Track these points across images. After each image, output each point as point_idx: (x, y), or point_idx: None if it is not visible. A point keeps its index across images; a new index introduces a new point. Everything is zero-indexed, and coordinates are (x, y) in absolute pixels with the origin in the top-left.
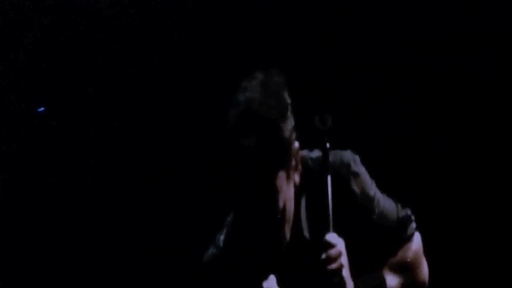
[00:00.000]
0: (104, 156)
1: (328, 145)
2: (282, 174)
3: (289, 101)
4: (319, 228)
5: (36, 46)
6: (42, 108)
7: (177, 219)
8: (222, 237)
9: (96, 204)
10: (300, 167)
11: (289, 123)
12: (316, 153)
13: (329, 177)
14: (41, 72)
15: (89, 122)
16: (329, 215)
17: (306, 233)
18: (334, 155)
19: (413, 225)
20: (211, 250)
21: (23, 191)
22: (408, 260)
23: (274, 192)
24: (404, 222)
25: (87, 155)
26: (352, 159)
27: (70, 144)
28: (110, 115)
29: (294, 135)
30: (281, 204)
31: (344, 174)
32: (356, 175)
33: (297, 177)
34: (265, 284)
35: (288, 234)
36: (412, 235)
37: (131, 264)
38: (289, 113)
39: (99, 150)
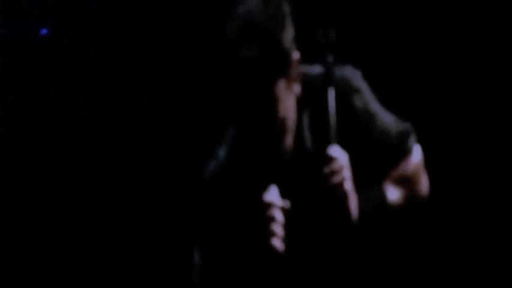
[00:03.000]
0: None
1: (331, 59)
2: (281, 83)
3: (288, 10)
4: (322, 141)
5: None
6: (45, 31)
7: (175, 137)
8: (222, 152)
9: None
10: (300, 77)
11: (289, 32)
12: (317, 69)
13: (331, 90)
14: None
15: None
16: (331, 128)
17: (309, 145)
18: (335, 71)
19: (413, 138)
20: (212, 165)
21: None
22: (409, 172)
23: (274, 100)
24: (404, 135)
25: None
26: (353, 74)
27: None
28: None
29: (294, 45)
30: (281, 112)
31: (345, 90)
32: (357, 90)
33: (297, 88)
34: (266, 196)
35: (290, 145)
36: (412, 148)
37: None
38: (288, 23)
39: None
